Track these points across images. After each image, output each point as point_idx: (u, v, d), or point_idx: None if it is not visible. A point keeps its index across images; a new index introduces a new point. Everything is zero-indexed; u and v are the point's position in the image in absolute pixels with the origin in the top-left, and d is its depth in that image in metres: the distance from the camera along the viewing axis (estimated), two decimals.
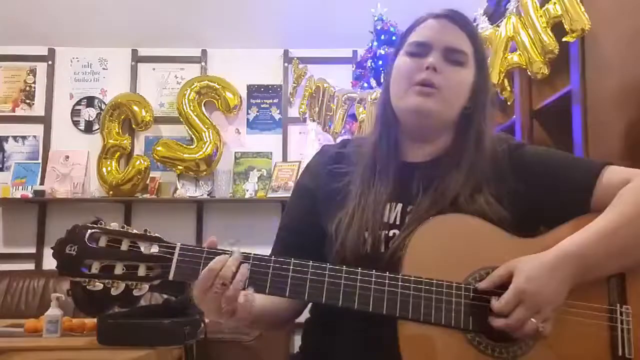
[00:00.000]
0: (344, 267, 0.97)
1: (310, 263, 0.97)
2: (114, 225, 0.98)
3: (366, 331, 1.01)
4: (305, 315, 1.19)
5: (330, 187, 1.15)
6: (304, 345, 1.18)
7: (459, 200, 1.05)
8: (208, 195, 3.90)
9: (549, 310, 0.94)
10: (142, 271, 0.95)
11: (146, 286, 0.96)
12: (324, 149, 1.26)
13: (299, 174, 1.32)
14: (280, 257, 0.98)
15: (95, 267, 0.95)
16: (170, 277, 0.95)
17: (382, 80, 1.37)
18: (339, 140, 1.49)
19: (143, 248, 0.97)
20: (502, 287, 0.95)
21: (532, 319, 0.92)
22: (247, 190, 3.89)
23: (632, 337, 0.96)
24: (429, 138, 1.14)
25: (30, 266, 3.87)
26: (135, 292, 0.96)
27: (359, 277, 0.96)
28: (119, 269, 0.95)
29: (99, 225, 0.97)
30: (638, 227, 0.99)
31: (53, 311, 2.29)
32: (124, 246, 0.96)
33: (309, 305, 1.15)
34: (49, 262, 3.84)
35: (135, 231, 0.98)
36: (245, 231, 3.66)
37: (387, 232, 1.06)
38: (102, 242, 0.96)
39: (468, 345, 0.95)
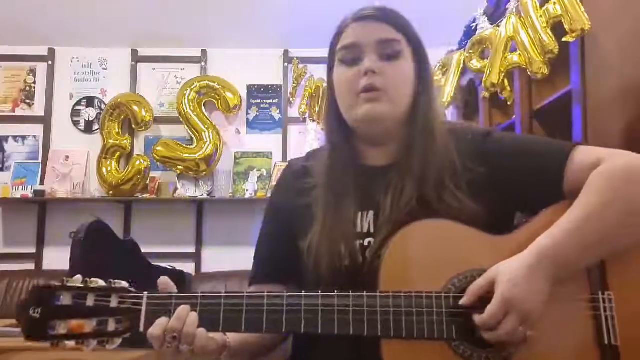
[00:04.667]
0: (320, 293, 0.95)
1: (285, 294, 0.95)
2: (77, 279, 0.93)
3: (352, 345, 0.98)
4: None
5: (299, 203, 1.12)
6: (293, 355, 1.15)
7: (427, 200, 1.02)
8: (208, 195, 3.90)
9: (536, 315, 0.91)
10: (112, 326, 0.91)
11: (119, 340, 0.92)
12: (291, 163, 1.24)
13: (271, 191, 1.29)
14: (259, 284, 0.99)
15: (63, 327, 0.90)
16: (141, 328, 0.92)
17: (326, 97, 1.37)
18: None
19: (110, 301, 0.92)
20: (484, 296, 0.93)
21: (520, 327, 0.89)
22: (247, 190, 3.89)
23: (617, 324, 0.94)
24: (384, 141, 1.12)
25: (30, 266, 3.87)
26: (109, 347, 0.92)
27: (336, 301, 0.94)
28: (87, 327, 0.91)
29: (60, 284, 0.93)
30: (608, 217, 0.95)
31: None
32: (90, 301, 0.91)
33: None
34: (49, 262, 3.86)
35: (99, 283, 0.93)
36: (245, 231, 3.65)
37: (362, 241, 1.04)
38: (67, 299, 0.91)
39: (453, 355, 0.94)
